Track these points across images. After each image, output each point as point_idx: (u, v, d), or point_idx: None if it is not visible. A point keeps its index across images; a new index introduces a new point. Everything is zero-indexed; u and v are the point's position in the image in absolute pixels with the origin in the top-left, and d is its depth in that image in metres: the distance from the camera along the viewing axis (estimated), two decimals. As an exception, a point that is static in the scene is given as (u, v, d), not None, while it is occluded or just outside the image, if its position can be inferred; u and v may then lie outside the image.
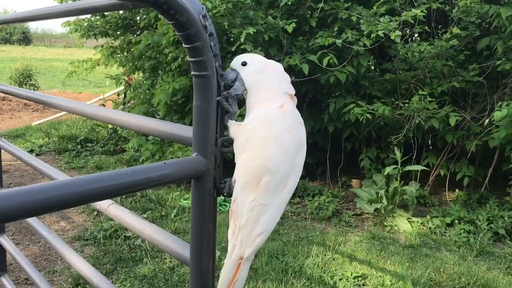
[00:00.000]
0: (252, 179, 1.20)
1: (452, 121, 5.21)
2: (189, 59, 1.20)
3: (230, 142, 1.28)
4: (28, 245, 4.43)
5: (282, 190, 1.22)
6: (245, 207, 1.21)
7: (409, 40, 6.06)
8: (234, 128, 1.25)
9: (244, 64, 1.26)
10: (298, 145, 1.24)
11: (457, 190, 5.90)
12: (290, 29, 5.31)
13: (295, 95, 1.30)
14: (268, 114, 1.21)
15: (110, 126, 8.33)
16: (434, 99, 5.38)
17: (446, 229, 4.99)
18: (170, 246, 1.41)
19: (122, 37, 7.45)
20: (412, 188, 5.32)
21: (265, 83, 1.25)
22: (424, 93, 5.34)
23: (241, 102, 1.24)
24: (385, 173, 5.37)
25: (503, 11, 4.92)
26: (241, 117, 1.28)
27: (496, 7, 5.06)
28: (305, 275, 3.89)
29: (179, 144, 5.95)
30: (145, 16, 6.69)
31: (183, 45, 1.18)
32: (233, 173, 1.38)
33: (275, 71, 1.27)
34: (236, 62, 1.28)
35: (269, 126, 1.20)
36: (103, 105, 8.99)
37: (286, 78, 1.29)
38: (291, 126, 1.22)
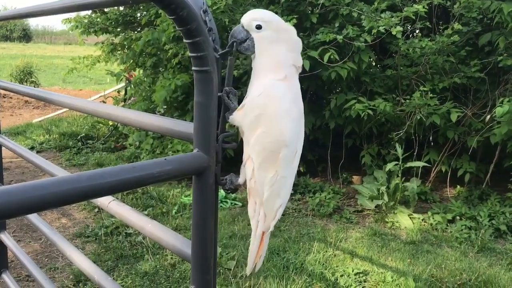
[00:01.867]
0: (271, 154, 1.23)
1: (454, 117, 5.19)
2: (189, 54, 1.19)
3: (232, 137, 1.28)
4: (29, 242, 4.43)
5: (294, 159, 1.27)
6: (266, 183, 1.24)
7: (410, 36, 6.04)
8: (238, 113, 1.24)
9: (258, 27, 1.23)
10: (301, 116, 1.28)
11: (458, 186, 5.89)
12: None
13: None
14: (272, 88, 1.22)
15: (110, 123, 8.33)
16: (435, 95, 5.36)
17: (448, 225, 4.98)
18: (171, 243, 1.41)
19: (123, 34, 7.44)
20: (413, 185, 5.31)
21: (274, 53, 1.24)
22: (425, 89, 5.33)
23: (241, 100, 1.24)
24: (386, 169, 5.37)
25: (505, 7, 4.90)
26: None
27: (497, 3, 5.04)
28: (306, 271, 3.89)
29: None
30: (145, 12, 6.68)
31: (184, 40, 1.17)
32: (234, 170, 1.38)
33: (288, 41, 1.26)
34: (250, 22, 1.24)
35: (278, 101, 1.22)
36: (104, 102, 8.99)
37: (297, 47, 1.28)
38: (295, 98, 1.26)
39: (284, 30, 1.27)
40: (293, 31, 1.29)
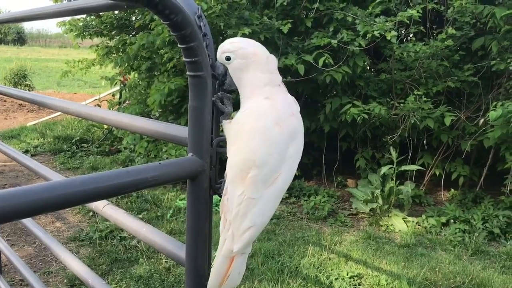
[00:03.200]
0: (240, 173, 1.18)
1: (447, 121, 5.23)
2: (184, 59, 1.20)
3: (226, 142, 1.28)
4: (23, 246, 4.41)
5: (272, 184, 1.18)
6: (234, 201, 1.20)
7: (405, 40, 6.07)
8: (226, 126, 1.25)
9: (228, 59, 1.23)
10: (289, 137, 1.20)
11: (452, 189, 5.92)
12: (285, 29, 5.31)
13: (294, 96, 1.28)
14: (256, 106, 1.20)
15: (105, 126, 8.31)
16: (429, 99, 5.39)
17: (442, 228, 5.00)
18: (166, 247, 1.41)
19: (118, 37, 7.43)
20: (407, 188, 5.33)
21: (247, 80, 1.22)
22: (419, 93, 5.36)
23: (237, 103, 1.24)
24: (381, 173, 5.39)
25: (497, 11, 4.95)
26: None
27: (490, 7, 5.08)
28: (301, 275, 3.90)
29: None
30: (140, 16, 6.68)
31: (178, 45, 1.18)
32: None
33: (258, 63, 1.22)
34: (220, 56, 1.24)
35: (256, 119, 1.18)
36: (99, 106, 8.96)
37: (269, 66, 1.23)
38: (279, 118, 1.18)
39: (251, 54, 1.23)
40: (261, 51, 1.24)
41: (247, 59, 1.22)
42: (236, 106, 1.23)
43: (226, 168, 1.23)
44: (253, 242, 1.28)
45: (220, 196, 1.29)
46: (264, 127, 1.17)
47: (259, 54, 1.24)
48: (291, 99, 1.25)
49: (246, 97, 1.23)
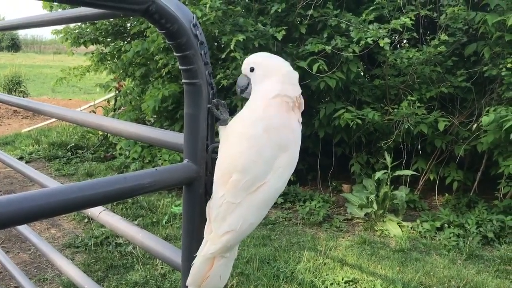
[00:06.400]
0: (222, 175, 1.20)
1: (441, 126, 5.27)
2: (180, 67, 1.22)
3: (220, 147, 1.29)
4: (18, 252, 4.39)
5: (255, 191, 1.18)
6: (215, 203, 1.20)
7: (398, 46, 6.13)
8: (221, 132, 1.27)
9: (251, 70, 1.27)
10: (278, 148, 1.19)
11: (446, 194, 5.95)
12: (280, 36, 5.35)
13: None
14: (249, 112, 1.22)
15: (100, 132, 8.30)
16: (423, 105, 5.44)
17: (436, 233, 5.03)
18: (162, 252, 1.42)
19: (113, 44, 7.45)
20: (402, 193, 5.36)
21: (261, 89, 1.25)
22: (413, 98, 5.40)
23: (232, 109, 1.26)
24: (375, 178, 5.41)
25: (489, 18, 5.00)
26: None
27: (482, 14, 5.14)
28: (296, 280, 3.91)
29: (167, 149, 5.97)
30: (135, 23, 6.70)
31: (174, 53, 1.20)
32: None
33: (278, 74, 1.25)
34: (245, 67, 1.29)
35: (245, 125, 1.20)
36: (93, 112, 8.96)
37: (288, 78, 1.25)
38: (269, 128, 1.18)
39: (274, 66, 1.26)
40: (285, 65, 1.27)
41: (269, 70, 1.26)
42: (231, 113, 1.25)
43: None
44: (236, 247, 1.28)
45: None
46: (252, 133, 1.18)
47: (283, 66, 1.27)
48: (293, 116, 1.23)
49: (253, 100, 1.25)
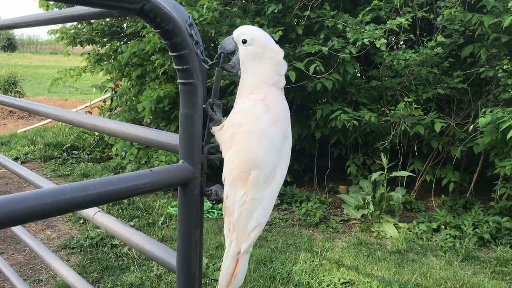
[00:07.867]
0: (240, 174, 1.21)
1: (437, 127, 5.27)
2: (175, 67, 1.21)
3: (217, 149, 1.29)
4: (13, 254, 4.37)
5: (272, 182, 1.23)
6: (236, 203, 1.22)
7: (395, 47, 6.13)
8: (217, 132, 1.26)
9: (244, 42, 1.23)
10: (283, 137, 1.24)
11: (443, 195, 5.95)
12: (276, 37, 5.34)
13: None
14: (251, 107, 1.21)
15: (96, 133, 8.27)
16: (419, 106, 5.44)
17: (432, 234, 5.03)
18: (157, 254, 1.41)
19: (109, 45, 7.43)
20: (398, 194, 5.36)
21: (257, 71, 1.23)
22: (409, 99, 5.40)
23: (226, 111, 1.25)
24: (372, 179, 5.41)
25: (485, 20, 5.01)
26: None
27: (479, 16, 5.15)
28: (293, 281, 3.90)
29: (164, 149, 5.95)
30: (131, 23, 6.69)
31: (169, 53, 1.19)
32: (220, 181, 1.39)
33: (273, 60, 1.25)
34: (238, 35, 1.24)
35: (253, 120, 1.20)
36: (90, 112, 8.93)
37: (282, 69, 1.26)
38: (275, 119, 1.21)
39: (270, 49, 1.25)
40: (280, 52, 1.27)
41: (265, 52, 1.24)
42: (226, 112, 1.24)
43: (224, 171, 1.24)
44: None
45: (212, 203, 1.30)
46: (262, 128, 1.20)
47: (279, 54, 1.27)
48: (286, 104, 1.28)
49: (247, 90, 1.23)
